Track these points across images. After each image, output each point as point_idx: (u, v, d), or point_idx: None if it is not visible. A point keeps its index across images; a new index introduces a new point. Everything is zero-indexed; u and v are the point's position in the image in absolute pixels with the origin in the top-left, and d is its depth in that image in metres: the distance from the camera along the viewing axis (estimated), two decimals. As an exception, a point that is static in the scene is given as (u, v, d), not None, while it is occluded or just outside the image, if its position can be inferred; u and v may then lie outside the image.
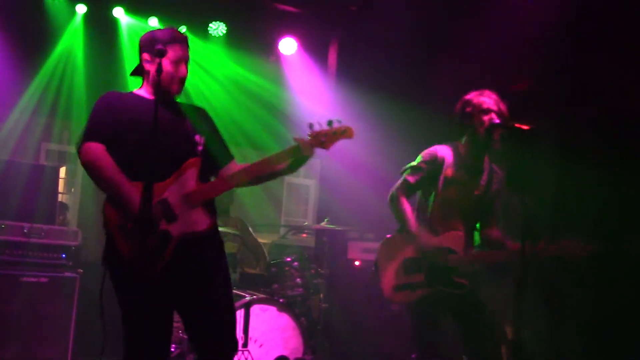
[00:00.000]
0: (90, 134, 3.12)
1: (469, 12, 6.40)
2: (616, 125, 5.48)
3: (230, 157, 3.48)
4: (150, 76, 3.28)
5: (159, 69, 3.05)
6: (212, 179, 3.36)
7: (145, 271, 2.95)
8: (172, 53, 3.23)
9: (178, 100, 3.43)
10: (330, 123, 3.24)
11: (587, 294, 5.44)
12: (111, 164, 3.06)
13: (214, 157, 3.39)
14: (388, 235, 4.10)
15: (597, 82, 5.60)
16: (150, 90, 3.32)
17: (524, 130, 3.47)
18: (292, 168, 3.31)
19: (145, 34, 3.35)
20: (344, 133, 3.26)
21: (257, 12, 7.39)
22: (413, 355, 3.96)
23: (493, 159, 4.08)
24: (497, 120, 3.73)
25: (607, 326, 5.27)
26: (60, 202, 6.79)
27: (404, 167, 4.05)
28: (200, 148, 3.30)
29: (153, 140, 2.92)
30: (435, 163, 3.94)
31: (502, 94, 3.93)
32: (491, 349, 3.90)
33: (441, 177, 3.92)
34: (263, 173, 3.31)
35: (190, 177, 3.16)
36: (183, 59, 3.28)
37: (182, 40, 3.30)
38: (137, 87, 3.39)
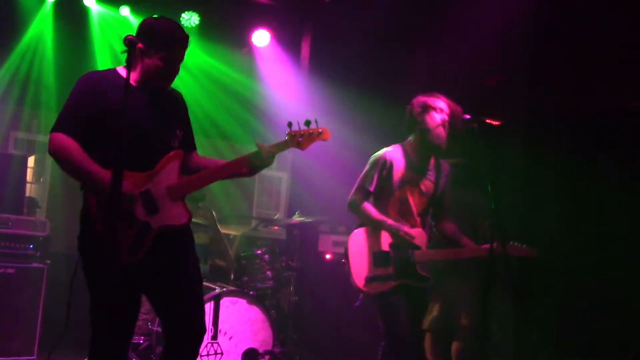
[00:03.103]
0: (61, 124, 3.07)
1: (442, 7, 6.43)
2: (583, 123, 5.56)
3: (193, 147, 3.51)
4: (143, 66, 3.20)
5: (154, 65, 3.15)
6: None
7: (123, 260, 2.97)
8: (170, 54, 3.20)
9: None
10: (307, 123, 3.35)
11: (553, 289, 5.52)
12: (78, 151, 3.02)
13: (182, 146, 3.38)
14: (355, 230, 4.19)
15: (566, 79, 5.67)
16: (138, 78, 3.24)
17: (494, 125, 3.51)
18: (252, 172, 3.34)
19: (148, 21, 3.24)
20: (320, 135, 3.39)
21: (230, 3, 7.35)
22: (382, 343, 4.05)
23: (440, 155, 4.21)
24: (468, 116, 3.77)
25: (571, 320, 5.35)
26: (31, 198, 6.70)
27: (359, 179, 4.18)
28: (177, 144, 3.30)
29: (127, 131, 2.88)
30: (385, 167, 4.09)
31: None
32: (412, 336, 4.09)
33: (394, 179, 4.08)
34: (224, 177, 3.35)
35: (173, 169, 3.19)
36: (179, 60, 3.26)
37: (184, 40, 3.24)
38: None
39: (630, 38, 5.15)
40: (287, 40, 7.69)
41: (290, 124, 3.36)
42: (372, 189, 4.12)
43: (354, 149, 6.79)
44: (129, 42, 2.84)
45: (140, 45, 3.13)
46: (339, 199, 6.73)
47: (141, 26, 3.23)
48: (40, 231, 5.55)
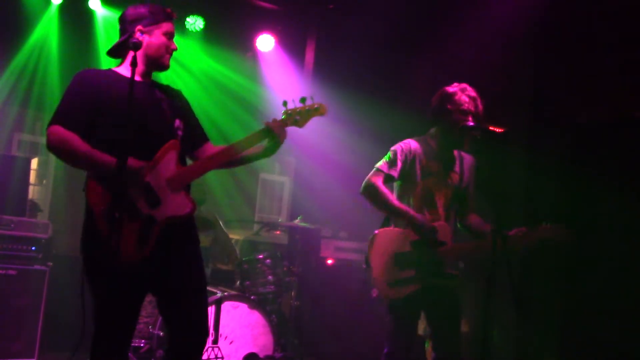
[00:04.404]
0: (59, 117, 3.08)
1: (446, 13, 6.45)
2: (586, 132, 5.56)
3: (205, 139, 3.48)
4: (147, 50, 3.23)
5: (159, 43, 3.19)
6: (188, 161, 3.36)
7: (129, 258, 2.94)
8: (165, 27, 3.27)
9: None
10: (303, 100, 3.33)
11: (555, 294, 5.52)
12: (78, 141, 3.02)
13: (191, 139, 3.37)
14: (376, 231, 3.95)
15: (569, 88, 5.67)
16: (139, 69, 3.23)
17: (497, 132, 3.50)
18: (267, 152, 3.31)
19: (131, 9, 3.29)
20: (317, 110, 3.35)
21: (235, 8, 7.37)
22: (385, 350, 3.90)
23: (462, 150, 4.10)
24: (471, 123, 3.76)
25: (574, 325, 5.34)
26: (33, 202, 6.70)
27: (377, 164, 3.96)
28: (180, 133, 3.28)
29: (130, 121, 2.90)
30: (410, 154, 3.92)
31: (479, 96, 3.95)
32: (457, 344, 3.94)
33: (417, 168, 3.91)
34: (235, 157, 3.31)
35: (170, 160, 3.14)
36: (173, 35, 3.31)
37: (172, 17, 3.33)
38: (115, 65, 3.34)
39: (634, 47, 5.16)
40: (292, 45, 7.71)
41: (285, 103, 3.33)
42: (396, 174, 3.88)
43: (357, 153, 6.81)
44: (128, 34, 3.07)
45: (139, 27, 3.22)
46: (342, 204, 6.77)
47: (132, 13, 3.28)
48: (42, 233, 5.55)
